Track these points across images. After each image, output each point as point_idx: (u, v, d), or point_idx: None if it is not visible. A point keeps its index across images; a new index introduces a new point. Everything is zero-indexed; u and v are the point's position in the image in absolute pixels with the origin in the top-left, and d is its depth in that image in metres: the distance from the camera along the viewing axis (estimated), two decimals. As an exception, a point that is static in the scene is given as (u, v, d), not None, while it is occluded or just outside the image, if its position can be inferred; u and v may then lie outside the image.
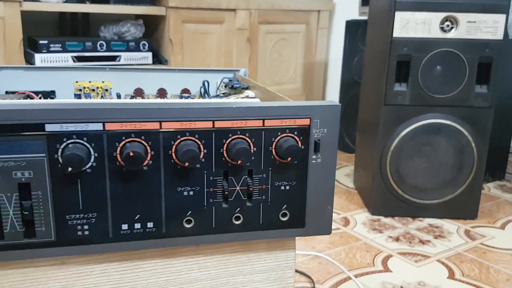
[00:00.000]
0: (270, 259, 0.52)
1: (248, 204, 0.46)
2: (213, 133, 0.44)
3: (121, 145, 0.42)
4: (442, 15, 1.22)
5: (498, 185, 1.66)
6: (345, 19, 2.01)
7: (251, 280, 0.52)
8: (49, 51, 1.82)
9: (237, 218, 0.47)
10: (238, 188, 0.46)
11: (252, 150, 0.45)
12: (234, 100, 0.62)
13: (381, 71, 1.30)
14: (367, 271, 1.11)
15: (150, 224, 0.45)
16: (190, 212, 0.45)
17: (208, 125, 0.43)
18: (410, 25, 1.23)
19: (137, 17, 2.04)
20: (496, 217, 1.40)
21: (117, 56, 1.91)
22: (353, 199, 1.51)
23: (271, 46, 2.16)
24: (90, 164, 0.42)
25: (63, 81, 0.78)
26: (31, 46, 1.85)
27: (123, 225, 0.44)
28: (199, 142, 0.44)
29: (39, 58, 1.80)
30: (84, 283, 0.47)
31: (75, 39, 1.86)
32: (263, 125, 0.44)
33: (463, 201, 1.38)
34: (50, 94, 0.76)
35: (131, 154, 0.41)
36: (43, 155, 0.41)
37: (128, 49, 1.94)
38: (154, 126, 0.42)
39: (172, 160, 0.44)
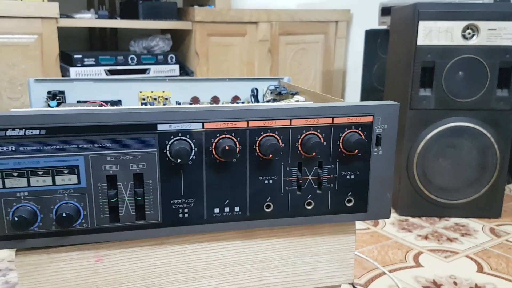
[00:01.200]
0: (334, 242, 0.59)
1: (318, 191, 0.54)
2: (290, 130, 0.52)
3: (216, 141, 0.50)
4: (463, 23, 1.30)
5: (518, 186, 1.71)
6: (362, 28, 2.10)
7: (317, 260, 0.59)
8: (83, 65, 1.92)
9: (309, 204, 0.54)
10: (310, 177, 0.53)
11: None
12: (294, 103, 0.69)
13: (406, 77, 1.37)
14: (399, 266, 1.18)
15: (237, 208, 0.53)
16: (269, 198, 0.53)
17: (286, 123, 0.51)
18: (433, 33, 1.31)
19: (163, 31, 2.15)
20: (519, 216, 1.46)
21: (146, 69, 2.01)
22: (379, 200, 1.57)
23: (291, 56, 2.24)
24: (191, 157, 0.50)
25: (128, 91, 0.86)
26: (64, 60, 1.96)
27: (215, 209, 0.52)
28: (279, 138, 0.52)
29: (74, 72, 1.90)
30: (178, 261, 0.54)
31: (107, 53, 1.96)
32: (332, 122, 0.52)
33: (487, 200, 1.44)
34: (117, 103, 0.85)
35: (227, 147, 0.49)
36: (155, 150, 0.49)
37: (157, 62, 2.03)
38: (242, 124, 0.50)
39: (256, 153, 0.52)
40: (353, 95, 2.35)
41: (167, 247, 0.54)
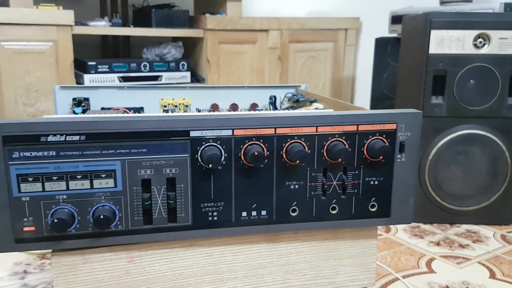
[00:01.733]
0: (356, 246, 0.60)
1: (342, 196, 0.56)
2: (316, 137, 0.53)
3: (244, 147, 0.52)
4: (475, 32, 1.32)
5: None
6: (371, 36, 2.12)
7: (339, 264, 0.61)
8: (97, 72, 1.95)
9: (333, 209, 0.56)
10: (334, 183, 0.55)
11: (347, 151, 0.54)
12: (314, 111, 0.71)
13: (418, 85, 1.39)
14: (412, 272, 1.19)
15: (263, 212, 0.54)
16: (295, 202, 0.55)
17: (312, 130, 0.53)
18: (445, 42, 1.33)
19: (174, 38, 2.18)
20: (530, 223, 1.46)
21: (159, 76, 2.04)
22: (390, 207, 1.58)
23: (300, 64, 2.27)
24: (221, 162, 0.52)
25: (149, 99, 0.89)
26: (78, 67, 1.99)
27: (243, 213, 0.54)
28: (305, 144, 0.53)
29: (88, 79, 1.93)
30: (206, 262, 0.56)
31: (120, 61, 1.99)
32: (357, 129, 0.53)
33: (498, 207, 1.45)
34: (139, 110, 0.87)
35: (256, 153, 0.51)
36: (187, 155, 0.51)
37: (169, 69, 2.06)
38: (270, 131, 0.52)
39: (283, 159, 0.54)
40: (362, 102, 2.37)
41: (196, 249, 0.56)
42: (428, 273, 1.17)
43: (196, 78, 2.11)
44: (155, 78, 2.02)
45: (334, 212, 0.56)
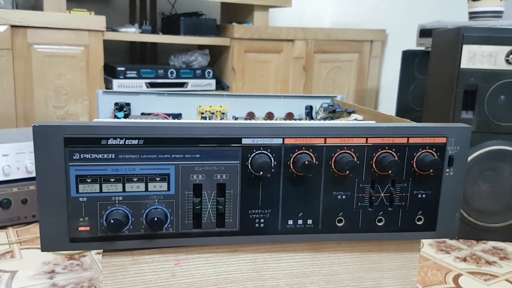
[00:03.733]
0: (398, 259, 0.60)
1: (389, 209, 0.56)
2: (366, 148, 0.54)
3: (294, 155, 0.53)
4: (507, 48, 1.31)
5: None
6: (397, 48, 2.12)
7: (381, 276, 0.61)
8: (125, 77, 1.99)
9: (380, 220, 0.56)
10: (382, 194, 0.55)
11: (396, 163, 0.54)
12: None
13: (448, 99, 1.38)
14: None
15: (309, 221, 0.55)
16: (341, 213, 0.55)
17: (362, 141, 0.54)
18: (477, 57, 1.32)
19: (200, 46, 2.21)
20: (559, 242, 1.43)
21: (185, 83, 2.07)
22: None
23: (325, 74, 2.27)
24: (271, 170, 0.52)
25: (187, 105, 0.90)
26: (107, 72, 2.03)
27: (289, 220, 0.54)
28: (354, 155, 0.54)
29: (117, 84, 1.97)
30: (249, 269, 0.57)
31: (148, 67, 2.03)
32: (407, 142, 0.54)
33: (527, 225, 1.42)
34: (178, 116, 0.88)
35: (306, 162, 0.51)
36: (238, 162, 0.51)
37: (195, 77, 2.09)
38: (320, 141, 0.53)
39: (331, 169, 0.54)
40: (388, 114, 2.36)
41: (240, 255, 0.56)
42: (456, 289, 1.16)
43: (220, 85, 2.14)
44: (181, 84, 2.05)
45: (380, 224, 0.56)
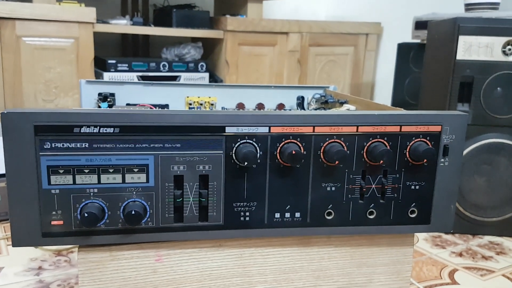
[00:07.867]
0: (391, 253, 0.58)
1: (381, 201, 0.53)
2: (356, 137, 0.51)
3: (281, 145, 0.50)
4: (504, 39, 1.28)
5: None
6: (392, 41, 2.09)
7: (373, 272, 0.58)
8: (116, 70, 1.95)
9: (371, 213, 0.53)
10: (373, 186, 0.52)
11: (388, 153, 0.51)
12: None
13: (443, 92, 1.36)
14: (435, 283, 1.15)
15: (297, 214, 0.52)
16: (331, 205, 0.53)
17: (352, 129, 0.51)
18: (473, 48, 1.29)
19: (193, 39, 2.17)
20: (556, 237, 1.41)
21: (177, 76, 2.03)
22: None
23: (320, 67, 2.24)
24: (256, 160, 0.50)
25: (175, 96, 0.87)
26: (98, 65, 1.99)
27: (276, 214, 0.52)
28: (344, 144, 0.51)
29: (107, 77, 1.94)
30: (235, 264, 0.54)
31: (140, 60, 1.99)
32: (400, 130, 0.51)
33: (523, 219, 1.40)
34: (165, 107, 0.85)
35: (294, 152, 0.48)
36: (221, 152, 0.49)
37: (188, 70, 2.06)
38: (309, 130, 0.50)
39: (320, 159, 0.51)
40: (381, 108, 2.33)
41: (225, 249, 0.54)
42: (451, 284, 1.14)
43: (214, 79, 2.10)
44: (174, 78, 2.01)
45: (371, 217, 0.53)
